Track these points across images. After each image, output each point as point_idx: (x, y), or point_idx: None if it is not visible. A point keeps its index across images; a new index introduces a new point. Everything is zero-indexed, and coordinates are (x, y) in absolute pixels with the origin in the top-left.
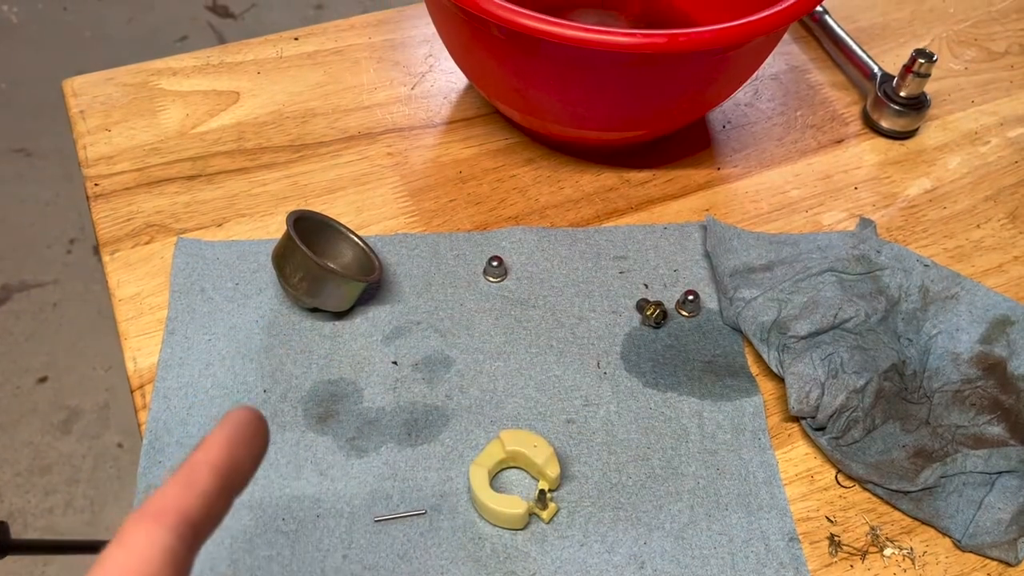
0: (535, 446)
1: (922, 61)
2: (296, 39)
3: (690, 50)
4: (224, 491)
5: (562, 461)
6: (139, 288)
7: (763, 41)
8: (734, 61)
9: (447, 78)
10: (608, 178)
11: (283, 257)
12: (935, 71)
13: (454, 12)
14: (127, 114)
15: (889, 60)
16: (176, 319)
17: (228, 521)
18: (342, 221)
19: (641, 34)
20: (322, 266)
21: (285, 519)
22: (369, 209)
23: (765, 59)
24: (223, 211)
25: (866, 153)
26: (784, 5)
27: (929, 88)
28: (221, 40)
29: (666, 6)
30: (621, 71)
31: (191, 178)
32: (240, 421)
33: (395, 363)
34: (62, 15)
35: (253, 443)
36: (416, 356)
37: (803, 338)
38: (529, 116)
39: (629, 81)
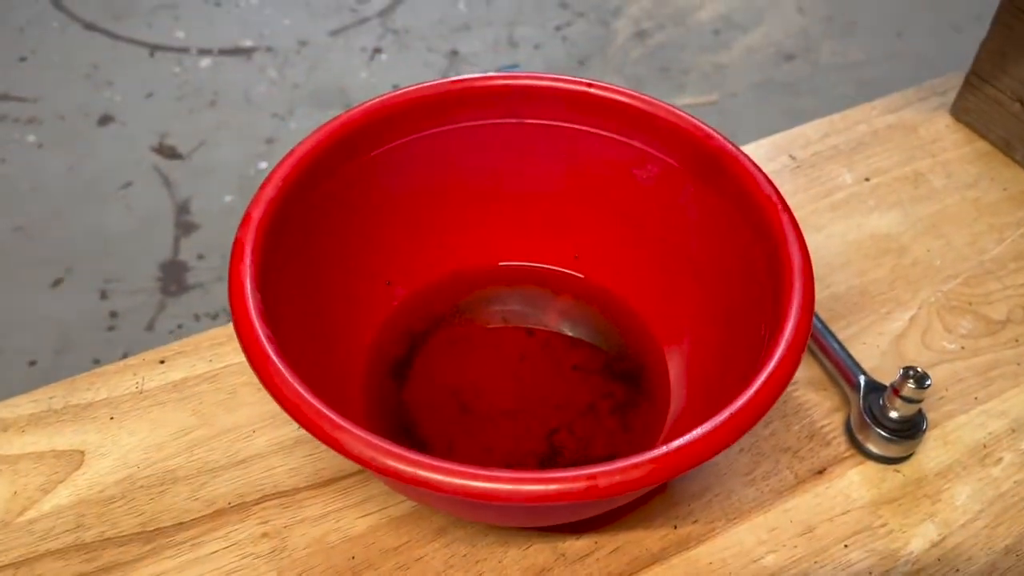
0: None
1: (912, 385)
2: (162, 362)
3: (616, 495)
4: None
5: None
6: None
7: None
8: None
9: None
10: (539, 552)
11: None
12: (928, 355)
13: None
14: None
15: (872, 340)
16: None
17: None
18: None
19: (547, 485)
20: None
21: None
22: None
23: None
24: None
25: (854, 487)
26: (735, 408)
27: None
28: (167, 184)
29: (602, 291)
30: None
31: None
32: None
33: None
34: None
35: None
36: None
37: None
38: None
39: (542, 512)
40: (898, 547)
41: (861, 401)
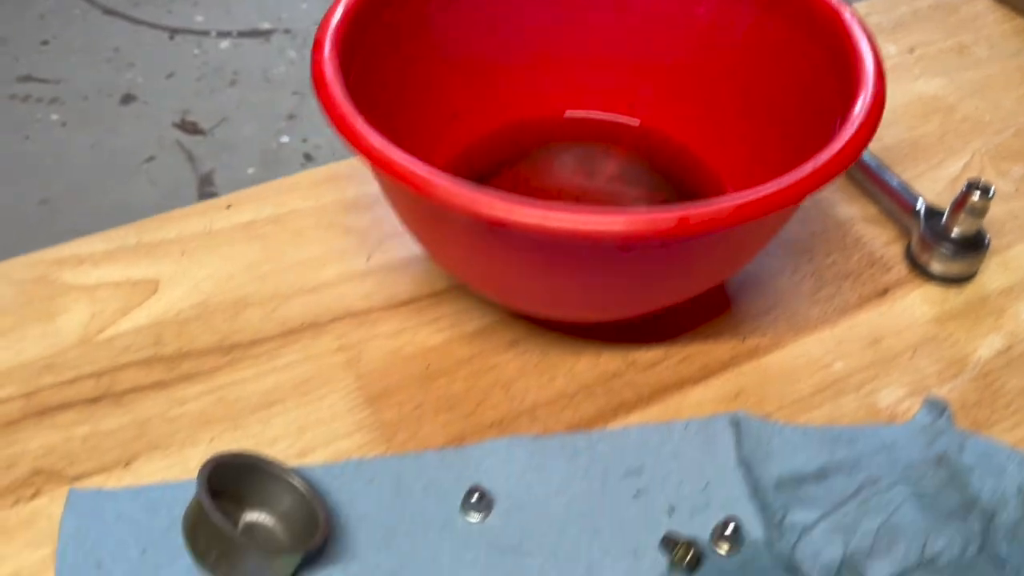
0: None
1: (976, 197)
2: (229, 207)
3: (707, 232)
4: None
5: None
6: (16, 566)
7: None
8: (759, 228)
9: (411, 244)
10: (610, 360)
11: (195, 528)
12: None
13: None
14: (18, 321)
15: (926, 184)
16: None
17: None
18: (281, 446)
19: (640, 217)
20: (241, 543)
21: None
22: (315, 427)
23: (792, 215)
24: (132, 444)
25: (918, 305)
26: (824, 159)
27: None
28: (190, 159)
29: (663, 138)
30: (617, 256)
31: (93, 401)
32: None
33: None
34: (23, 144)
35: None
36: None
37: None
38: (505, 301)
39: (628, 266)
40: (966, 354)
41: (922, 223)
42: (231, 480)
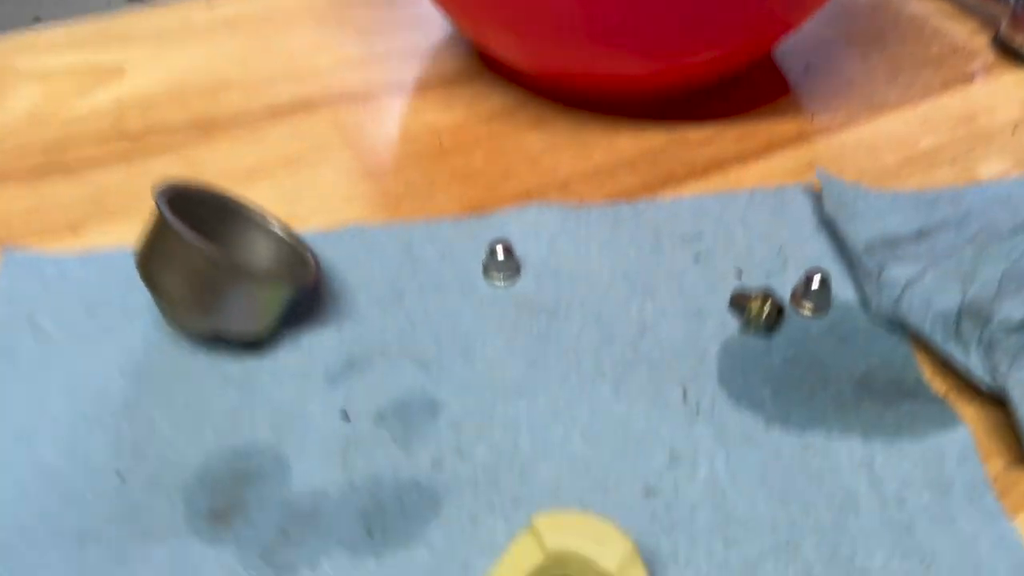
0: (599, 540)
1: None
2: (211, 7)
3: None
4: None
5: (645, 561)
6: None
7: None
8: None
9: (414, 35)
10: (654, 137)
11: (152, 252)
12: None
13: None
14: None
15: None
16: None
17: None
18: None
19: None
20: (216, 260)
21: None
22: (306, 198)
23: None
24: (82, 209)
25: (1012, 88)
26: None
27: None
28: None
29: None
30: None
31: (40, 172)
32: None
33: (345, 415)
34: None
35: None
36: (380, 401)
37: (1020, 326)
38: (529, 41)
39: None
40: None
41: (1015, 2)
42: (196, 223)
